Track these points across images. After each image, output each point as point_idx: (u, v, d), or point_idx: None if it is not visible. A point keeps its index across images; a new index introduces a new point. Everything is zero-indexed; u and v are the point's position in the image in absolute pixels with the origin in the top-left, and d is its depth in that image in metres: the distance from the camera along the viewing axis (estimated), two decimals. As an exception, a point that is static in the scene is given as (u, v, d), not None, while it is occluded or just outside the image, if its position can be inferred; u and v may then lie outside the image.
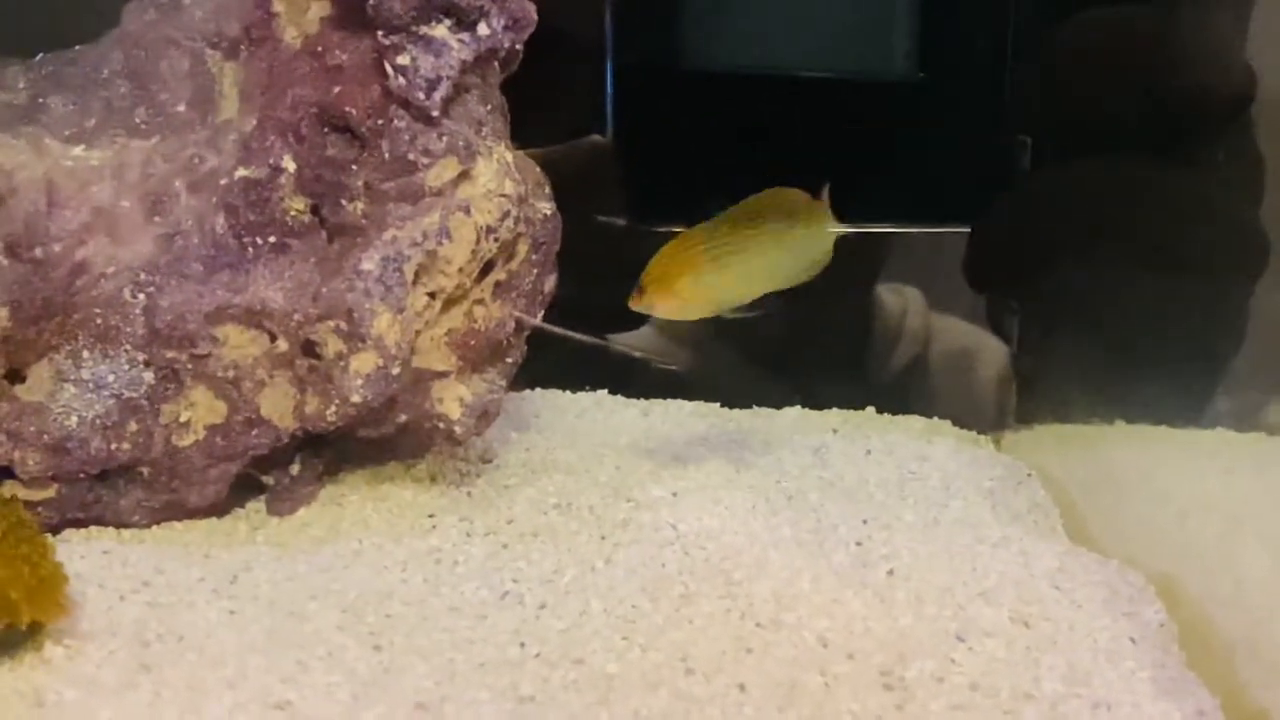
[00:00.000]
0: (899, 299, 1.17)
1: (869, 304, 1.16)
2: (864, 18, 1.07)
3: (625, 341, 1.12)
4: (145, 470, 0.81)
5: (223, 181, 0.81)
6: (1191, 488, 0.89)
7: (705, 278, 0.85)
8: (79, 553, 0.77)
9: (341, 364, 0.80)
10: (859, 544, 0.81)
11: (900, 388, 1.17)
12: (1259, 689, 0.68)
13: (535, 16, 0.83)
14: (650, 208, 1.08)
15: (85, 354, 0.79)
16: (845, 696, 0.66)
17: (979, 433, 1.09)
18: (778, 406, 1.10)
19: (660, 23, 1.06)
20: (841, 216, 0.91)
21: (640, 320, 1.13)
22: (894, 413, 1.10)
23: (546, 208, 0.87)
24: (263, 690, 0.64)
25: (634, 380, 1.11)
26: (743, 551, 0.78)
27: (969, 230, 1.09)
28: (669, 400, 1.09)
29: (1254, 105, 1.00)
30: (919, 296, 1.17)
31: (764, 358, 1.16)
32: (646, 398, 1.10)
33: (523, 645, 0.70)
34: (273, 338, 0.81)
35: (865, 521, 0.84)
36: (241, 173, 0.81)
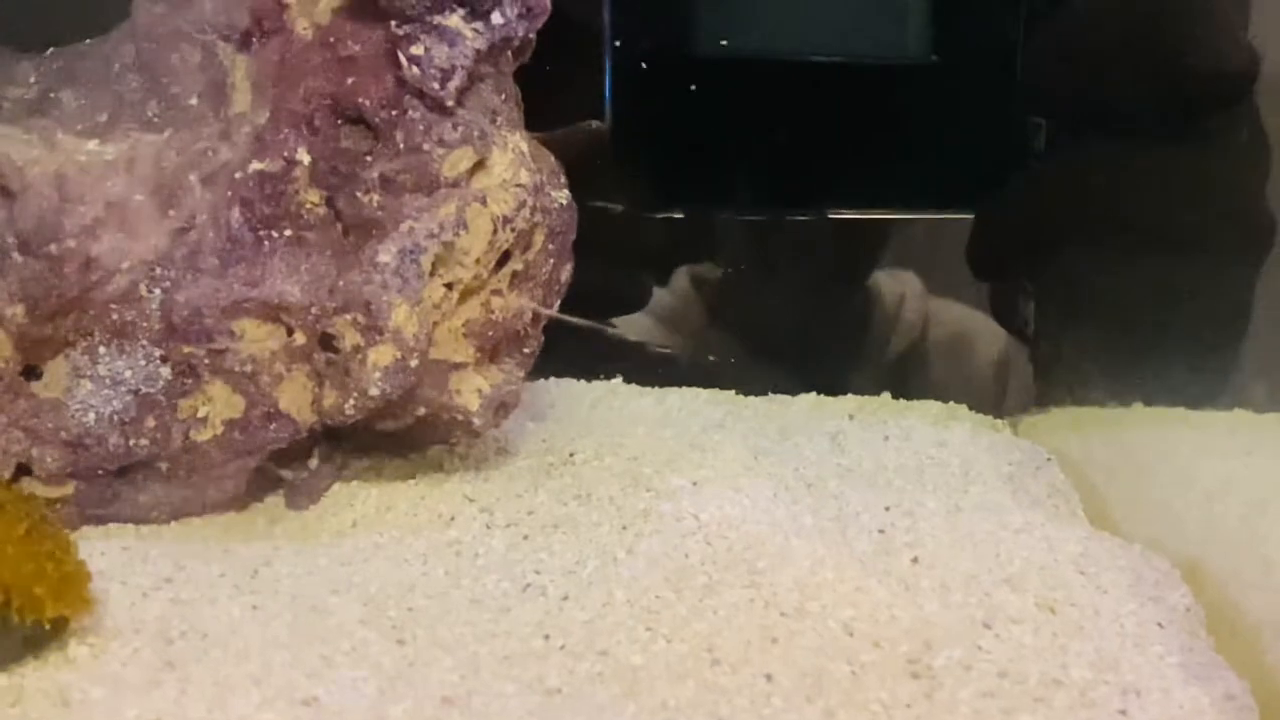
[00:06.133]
0: (897, 285, 1.17)
1: (867, 290, 1.16)
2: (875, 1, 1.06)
3: (622, 327, 1.12)
4: (163, 466, 0.81)
5: (237, 175, 0.81)
6: (1213, 469, 0.89)
7: None
8: (99, 549, 0.76)
9: (359, 357, 0.79)
10: (881, 531, 0.81)
11: (899, 373, 1.17)
12: (1288, 672, 0.68)
13: (549, 4, 0.83)
14: (649, 193, 1.07)
15: (102, 350, 0.79)
16: (873, 685, 0.66)
17: (995, 417, 1.08)
18: (792, 393, 1.10)
19: (662, 6, 1.06)
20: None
21: (635, 308, 1.13)
22: (894, 396, 1.10)
23: (562, 197, 0.86)
24: (288, 686, 0.64)
25: (639, 367, 1.11)
26: (765, 540, 0.78)
27: (974, 217, 1.09)
28: (684, 388, 1.09)
29: (1258, 86, 1.00)
30: (917, 282, 1.17)
31: (763, 345, 1.16)
32: (661, 386, 1.09)
33: (547, 637, 0.70)
34: (290, 331, 0.80)
35: (887, 508, 0.84)
36: (256, 166, 0.81)
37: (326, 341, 0.80)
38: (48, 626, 0.64)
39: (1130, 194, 1.04)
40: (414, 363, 0.80)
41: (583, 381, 1.08)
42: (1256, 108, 1.01)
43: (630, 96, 1.05)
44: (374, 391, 0.80)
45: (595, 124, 1.06)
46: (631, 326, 1.14)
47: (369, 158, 0.81)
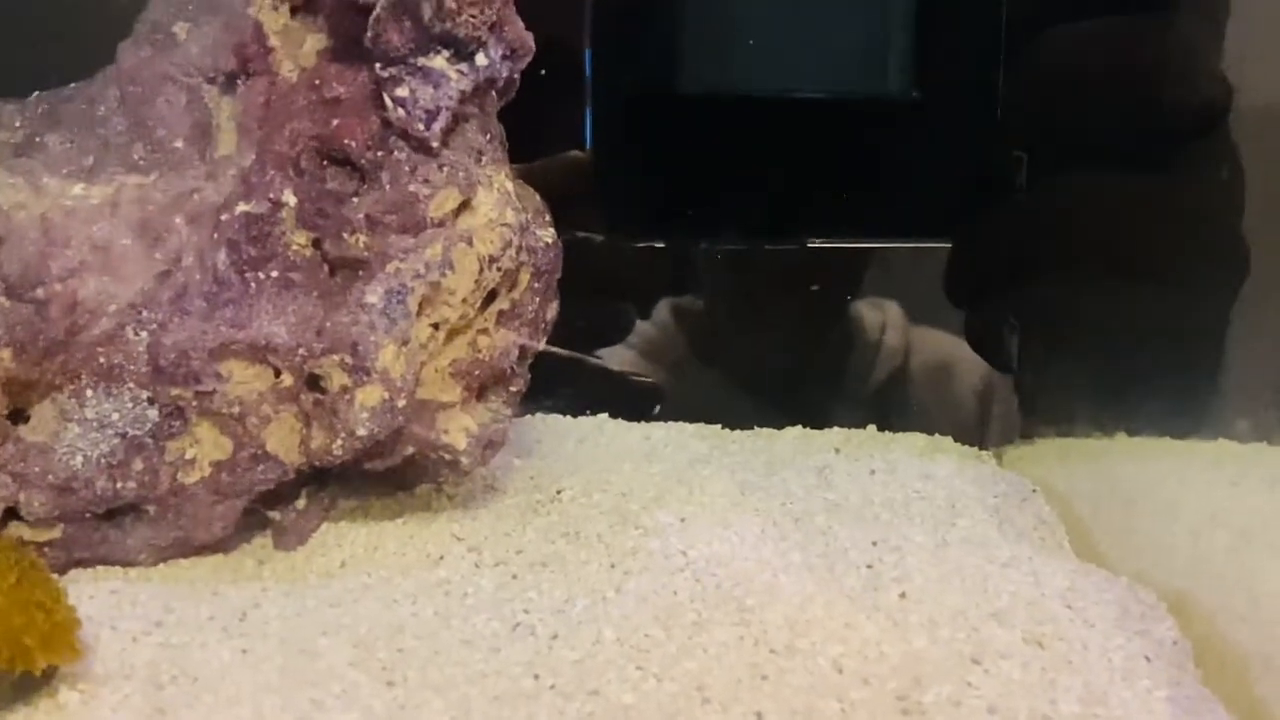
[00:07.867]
0: (878, 313, 1.17)
1: (849, 319, 1.16)
2: (857, 38, 1.07)
3: (604, 358, 1.12)
4: (151, 508, 0.81)
5: (223, 217, 0.81)
6: (1198, 500, 0.89)
7: None
8: (87, 593, 0.76)
9: (347, 397, 0.80)
10: (869, 566, 0.81)
11: (882, 402, 1.17)
12: (1276, 704, 0.68)
13: (533, 45, 0.83)
14: (630, 224, 1.08)
15: (89, 393, 0.79)
16: (863, 722, 0.66)
17: (979, 446, 1.09)
18: (776, 424, 1.10)
19: (645, 42, 1.06)
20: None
21: (619, 338, 1.13)
22: (878, 426, 1.10)
23: (547, 236, 0.86)
24: (279, 731, 0.64)
25: (620, 399, 1.11)
26: (754, 577, 0.78)
27: (951, 246, 1.09)
28: (670, 423, 1.09)
29: (1232, 115, 1.00)
30: (898, 310, 1.17)
31: (744, 376, 1.16)
32: (646, 420, 1.09)
33: (537, 677, 0.70)
34: (277, 373, 0.80)
35: (875, 544, 0.84)
36: (242, 208, 0.81)
37: (313, 382, 0.80)
38: (38, 675, 0.64)
39: (1109, 225, 1.05)
40: (401, 403, 0.80)
41: (569, 417, 1.09)
42: (1232, 138, 1.02)
43: (612, 127, 1.06)
44: (361, 432, 0.80)
45: (576, 154, 1.06)
46: (613, 358, 1.14)
47: (355, 199, 0.81)
